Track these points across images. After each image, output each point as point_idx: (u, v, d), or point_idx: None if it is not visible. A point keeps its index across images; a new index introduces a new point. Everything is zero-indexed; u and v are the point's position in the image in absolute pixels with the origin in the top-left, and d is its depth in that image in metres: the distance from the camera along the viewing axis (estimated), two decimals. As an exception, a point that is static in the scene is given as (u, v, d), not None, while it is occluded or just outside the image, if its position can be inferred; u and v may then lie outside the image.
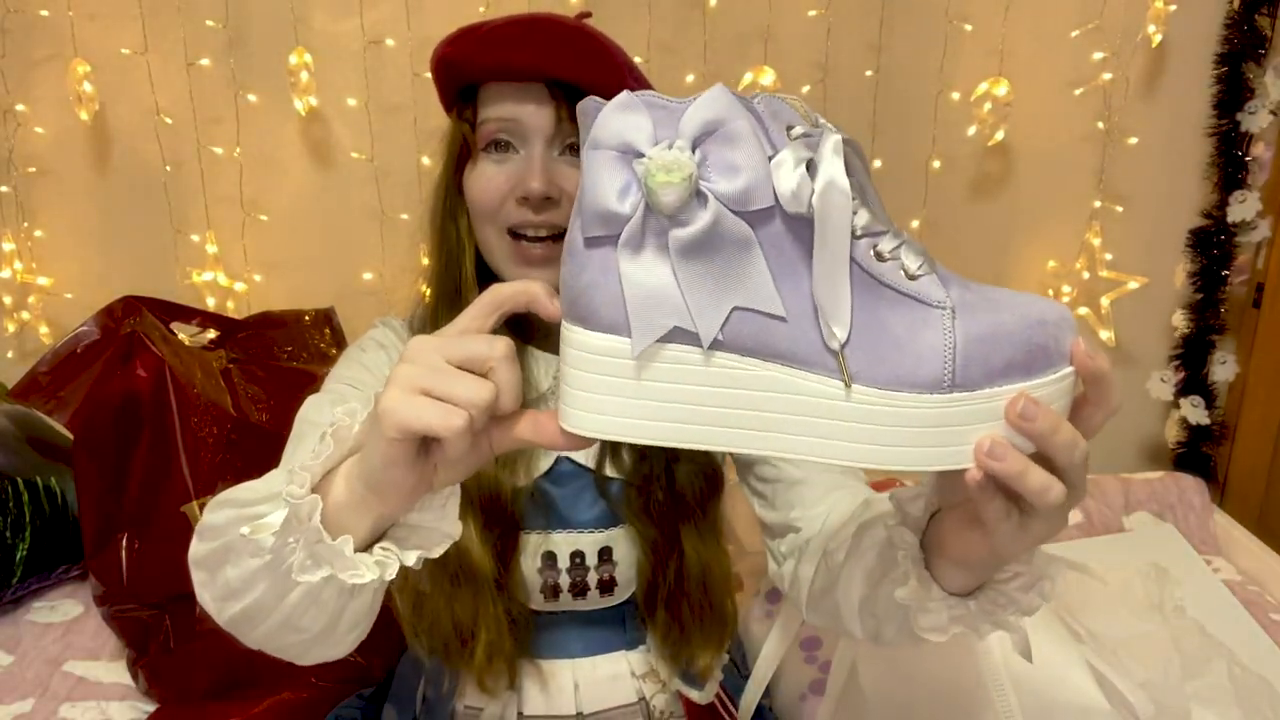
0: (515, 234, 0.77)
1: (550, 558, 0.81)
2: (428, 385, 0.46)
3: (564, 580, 0.81)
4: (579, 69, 0.73)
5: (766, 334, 0.45)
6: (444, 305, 0.81)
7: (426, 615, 0.80)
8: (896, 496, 0.58)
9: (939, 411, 0.44)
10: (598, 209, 0.44)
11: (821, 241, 0.44)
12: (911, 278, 0.46)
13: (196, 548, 0.59)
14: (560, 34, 0.74)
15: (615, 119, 0.44)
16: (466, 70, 0.76)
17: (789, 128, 0.46)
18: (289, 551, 0.52)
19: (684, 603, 0.81)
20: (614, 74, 0.74)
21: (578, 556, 0.81)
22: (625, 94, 0.45)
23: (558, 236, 0.74)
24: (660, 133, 0.44)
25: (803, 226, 0.45)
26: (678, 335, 0.44)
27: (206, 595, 0.59)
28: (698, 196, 0.43)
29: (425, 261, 1.58)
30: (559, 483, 0.82)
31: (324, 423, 0.71)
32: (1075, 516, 1.53)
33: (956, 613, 0.55)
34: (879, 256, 0.46)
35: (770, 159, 0.44)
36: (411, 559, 0.53)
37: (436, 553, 0.54)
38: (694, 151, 0.43)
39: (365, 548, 0.52)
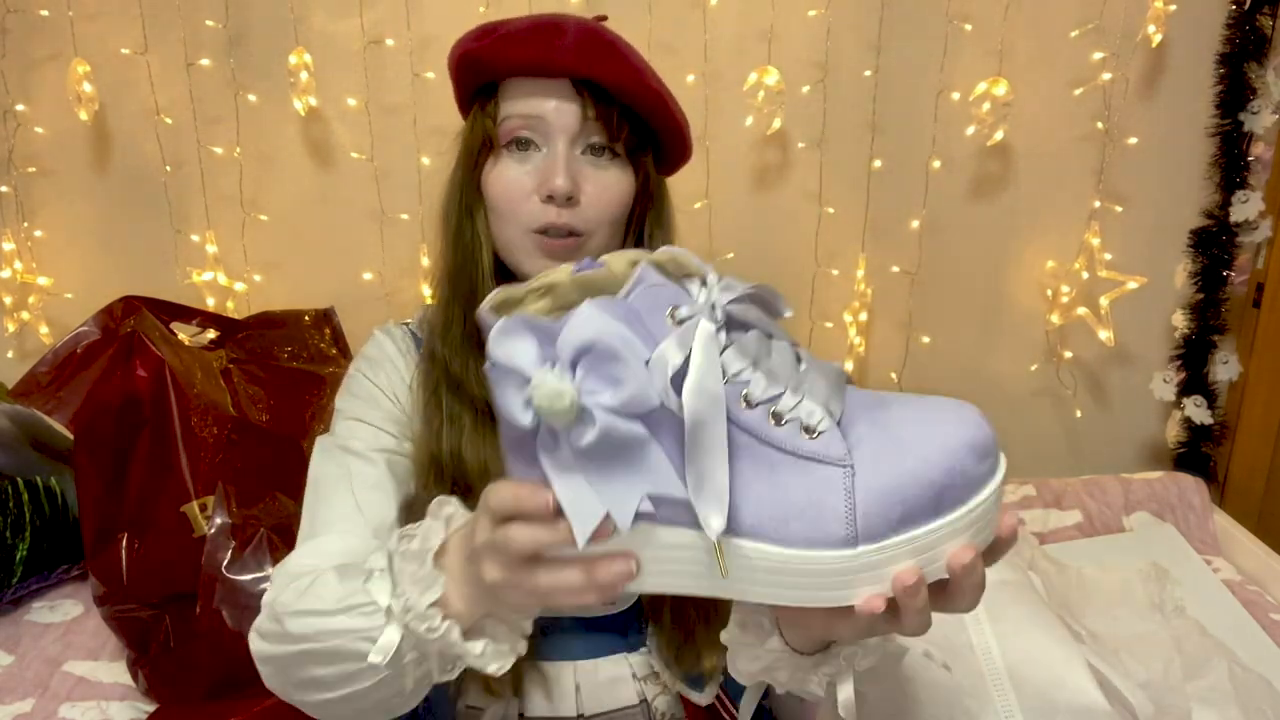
0: (537, 231, 0.77)
1: None
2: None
3: None
4: (604, 68, 0.73)
5: (678, 511, 0.47)
6: (458, 304, 0.79)
7: None
8: None
9: (840, 565, 0.47)
10: (508, 421, 0.47)
11: (692, 440, 0.46)
12: (813, 435, 0.47)
13: (262, 646, 0.64)
14: (585, 33, 0.74)
15: (503, 344, 0.46)
16: (491, 66, 0.76)
17: (673, 309, 0.47)
18: (410, 663, 0.58)
19: (689, 607, 0.81)
20: (634, 75, 0.74)
21: None
22: (504, 321, 0.46)
23: (578, 233, 0.75)
24: (545, 351, 0.46)
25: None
26: (608, 520, 0.47)
27: (276, 684, 0.64)
28: (584, 412, 0.45)
29: (425, 262, 1.59)
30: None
31: (338, 476, 0.75)
32: (1075, 516, 1.54)
33: (775, 663, 0.60)
34: (776, 419, 0.47)
35: (648, 362, 0.45)
36: (528, 628, 0.59)
37: (528, 629, 0.60)
38: (574, 371, 0.45)
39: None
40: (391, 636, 0.57)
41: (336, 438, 0.78)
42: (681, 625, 0.81)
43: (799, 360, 0.50)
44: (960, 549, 0.47)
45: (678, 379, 0.45)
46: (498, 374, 0.47)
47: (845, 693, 0.59)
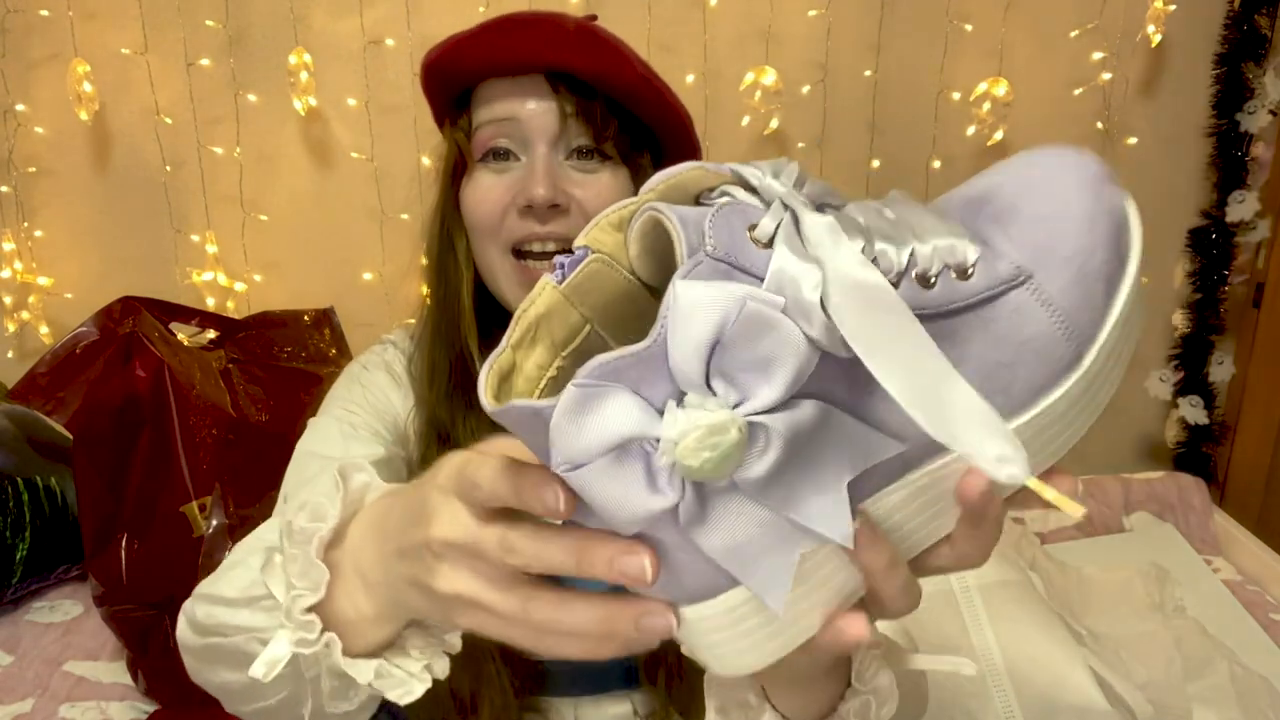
0: (520, 253, 0.70)
1: None
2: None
3: None
4: (580, 56, 0.65)
5: (889, 466, 0.35)
6: (440, 343, 0.73)
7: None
8: None
9: (1084, 386, 0.38)
10: (632, 521, 0.32)
11: (870, 351, 0.31)
12: (967, 274, 0.35)
13: (185, 634, 0.53)
14: (557, 25, 0.67)
15: (579, 429, 0.30)
16: (456, 70, 0.69)
17: (749, 228, 0.32)
18: (309, 681, 0.46)
19: (686, 664, 0.74)
20: (616, 62, 0.67)
21: None
22: (571, 391, 0.30)
23: (567, 250, 0.68)
24: (651, 393, 0.30)
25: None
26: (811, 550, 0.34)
27: (201, 680, 0.54)
28: (752, 433, 0.30)
29: (425, 262, 1.59)
30: None
31: (326, 455, 0.67)
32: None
33: None
34: (924, 282, 0.34)
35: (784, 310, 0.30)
36: (457, 644, 0.47)
37: (455, 644, 0.48)
38: (711, 388, 0.30)
39: (386, 645, 0.46)
40: (280, 646, 0.44)
41: (326, 419, 0.73)
42: (684, 680, 0.75)
43: (884, 212, 0.36)
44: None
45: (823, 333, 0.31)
46: (587, 475, 0.31)
47: None
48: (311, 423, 0.74)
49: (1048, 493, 0.35)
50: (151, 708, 1.12)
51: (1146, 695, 1.05)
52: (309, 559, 0.44)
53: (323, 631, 0.44)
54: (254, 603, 0.48)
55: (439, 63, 0.70)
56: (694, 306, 0.29)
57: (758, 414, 0.30)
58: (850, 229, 0.33)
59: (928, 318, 0.34)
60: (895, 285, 0.33)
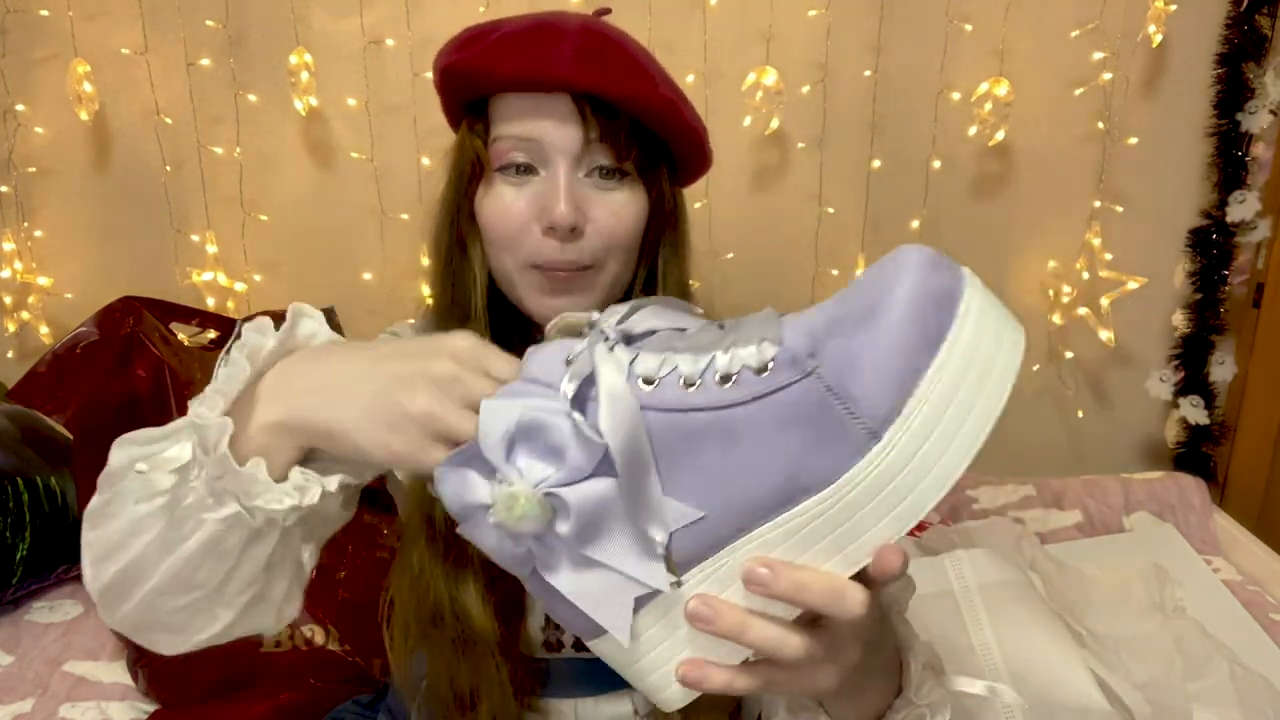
0: (538, 266, 0.69)
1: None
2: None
3: (568, 638, 0.77)
4: (609, 79, 0.64)
5: (704, 534, 0.42)
6: None
7: (427, 679, 0.75)
8: None
9: (883, 468, 0.39)
10: (506, 560, 0.44)
11: (611, 440, 0.40)
12: (764, 371, 0.40)
13: (93, 502, 0.54)
14: (585, 38, 0.65)
15: (452, 498, 0.43)
16: (476, 82, 0.67)
17: (567, 358, 0.43)
18: (189, 490, 0.48)
19: None
20: (644, 84, 0.65)
21: None
22: (439, 476, 0.43)
23: (585, 267, 0.67)
24: (487, 472, 0.42)
25: (655, 425, 0.42)
26: (645, 599, 0.42)
27: (87, 559, 0.54)
28: (550, 502, 0.41)
29: (425, 262, 1.59)
30: None
31: None
32: (1075, 516, 1.54)
33: None
34: (725, 381, 0.41)
35: (569, 415, 0.41)
36: (334, 484, 0.50)
37: (367, 478, 0.52)
38: (506, 451, 0.41)
39: (281, 477, 0.49)
40: (178, 451, 0.48)
41: None
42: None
43: (722, 328, 0.44)
44: None
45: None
46: (468, 528, 0.43)
47: None
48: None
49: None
50: (151, 708, 1.12)
51: (1146, 695, 1.05)
52: (239, 364, 0.49)
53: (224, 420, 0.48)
54: (167, 435, 0.50)
55: (457, 68, 0.68)
56: (493, 415, 0.41)
57: (555, 487, 0.40)
58: (657, 349, 0.43)
59: (724, 409, 0.40)
60: (690, 386, 0.41)
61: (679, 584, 0.42)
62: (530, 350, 0.45)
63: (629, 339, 0.44)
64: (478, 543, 0.43)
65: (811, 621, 0.43)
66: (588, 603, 0.42)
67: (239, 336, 0.50)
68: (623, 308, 0.46)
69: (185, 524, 0.49)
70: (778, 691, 0.44)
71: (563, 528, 0.41)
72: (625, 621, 0.42)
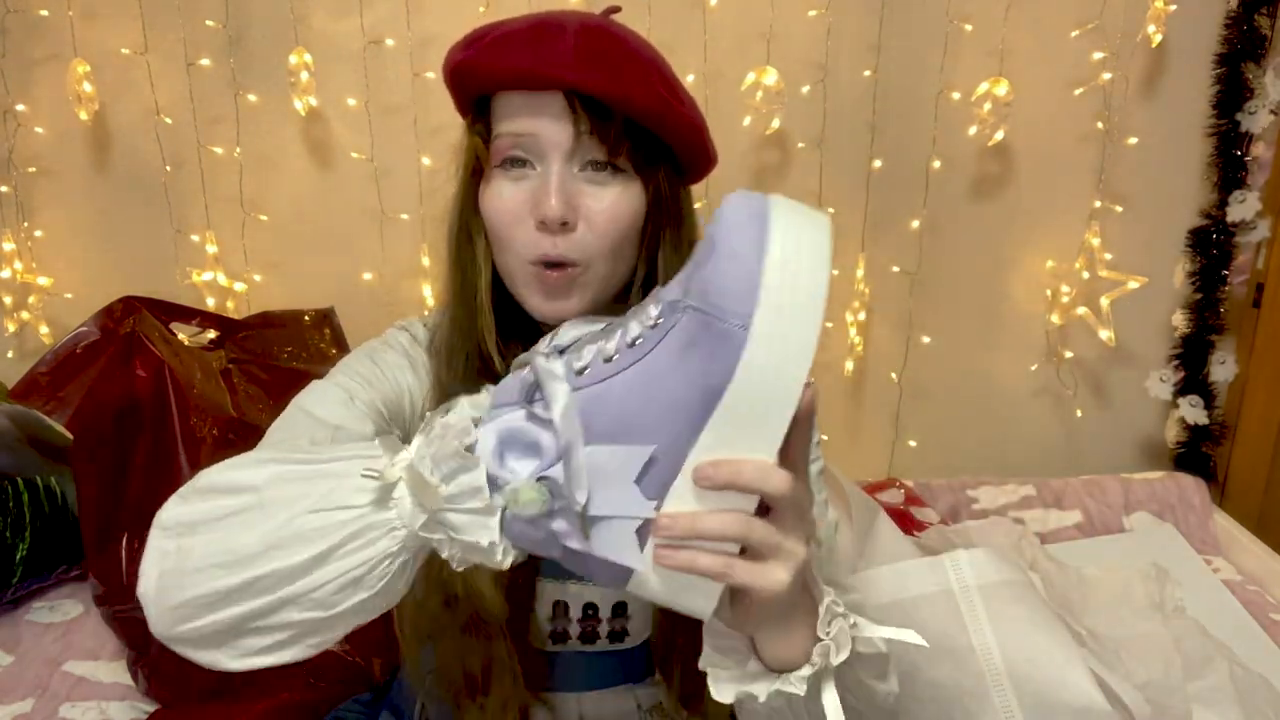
0: (534, 261, 0.70)
1: (562, 607, 0.78)
2: None
3: (574, 629, 0.78)
4: (602, 78, 0.65)
5: (662, 465, 0.50)
6: (459, 332, 0.73)
7: (437, 663, 0.77)
8: None
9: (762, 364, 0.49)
10: (539, 549, 0.52)
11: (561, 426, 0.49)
12: (655, 323, 0.51)
13: (181, 511, 0.53)
14: (583, 37, 0.66)
15: (469, 516, 0.50)
16: (477, 80, 0.69)
17: (523, 383, 0.53)
18: (391, 505, 0.51)
19: (697, 657, 0.78)
20: (639, 85, 0.67)
21: (590, 609, 0.78)
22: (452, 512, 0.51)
23: (573, 263, 0.68)
24: (495, 487, 0.50)
25: (597, 396, 0.51)
26: (643, 531, 0.51)
27: (174, 565, 0.52)
28: (545, 486, 0.49)
29: (425, 262, 1.59)
30: None
31: (319, 418, 0.69)
32: (1075, 516, 1.54)
33: (756, 683, 0.58)
34: (632, 344, 0.51)
35: (531, 417, 0.51)
36: (515, 554, 0.54)
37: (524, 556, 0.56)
38: (500, 461, 0.50)
39: None
40: (393, 469, 0.51)
41: (333, 386, 0.72)
42: (692, 674, 0.76)
43: (603, 324, 0.56)
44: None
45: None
46: (508, 536, 0.51)
47: (830, 701, 0.56)
48: (315, 383, 0.74)
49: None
50: (151, 708, 1.12)
51: (1146, 695, 1.05)
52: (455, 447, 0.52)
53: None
54: (338, 456, 0.53)
55: (463, 67, 0.70)
56: (481, 440, 0.51)
57: (542, 472, 0.50)
58: (580, 347, 0.53)
59: (636, 363, 0.50)
60: (608, 360, 0.51)
61: (659, 507, 0.50)
62: (491, 388, 0.54)
63: (562, 350, 0.54)
64: (517, 543, 0.51)
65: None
66: (606, 549, 0.50)
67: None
68: (548, 336, 0.57)
69: (359, 539, 0.51)
70: (739, 582, 0.50)
71: (559, 502, 0.49)
72: (636, 552, 0.50)
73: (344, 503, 0.51)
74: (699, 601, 0.52)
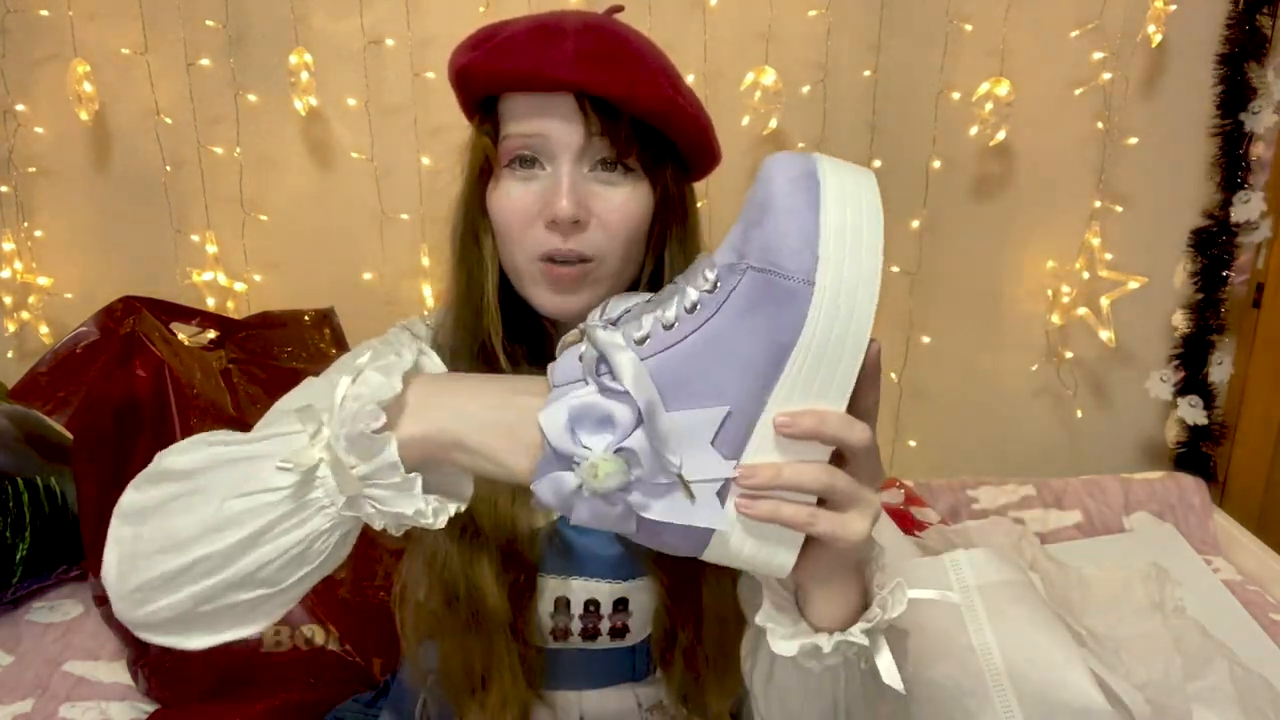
0: (543, 258, 0.70)
1: (564, 603, 0.78)
2: None
3: (575, 625, 0.78)
4: (608, 79, 0.66)
5: (737, 423, 0.51)
6: (464, 331, 0.74)
7: (439, 659, 0.77)
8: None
9: (828, 305, 0.51)
10: (614, 526, 0.52)
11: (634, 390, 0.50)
12: (713, 288, 0.51)
13: (136, 499, 0.56)
14: (586, 39, 0.67)
15: (550, 493, 0.51)
16: (485, 82, 0.69)
17: (580, 360, 0.53)
18: (314, 487, 0.51)
19: (699, 653, 0.78)
20: (645, 85, 0.67)
21: (592, 605, 0.78)
22: (535, 485, 0.51)
23: (586, 259, 0.69)
24: (561, 465, 0.50)
25: (664, 364, 0.51)
26: (724, 492, 0.52)
27: (123, 554, 0.54)
28: (623, 456, 0.50)
29: (425, 262, 1.59)
30: (579, 528, 0.79)
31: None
32: (1075, 516, 1.54)
33: (802, 628, 0.58)
34: (691, 309, 0.52)
35: (601, 389, 0.50)
36: (451, 510, 0.54)
37: (461, 508, 0.56)
38: (573, 438, 0.50)
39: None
40: (315, 451, 0.51)
41: (326, 380, 0.72)
42: (692, 671, 0.78)
43: (653, 296, 0.57)
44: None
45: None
46: (574, 515, 0.51)
47: (884, 660, 0.57)
48: (307, 380, 0.74)
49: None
50: (151, 708, 1.12)
51: (1146, 695, 1.05)
52: (393, 378, 0.52)
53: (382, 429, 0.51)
54: (272, 436, 0.54)
55: (469, 69, 0.70)
56: (550, 419, 0.50)
57: (619, 443, 0.49)
58: (631, 321, 0.53)
59: (701, 327, 0.51)
60: (669, 328, 0.52)
61: (737, 465, 0.50)
62: (550, 366, 0.54)
63: (614, 323, 0.54)
64: (584, 522, 0.51)
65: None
66: (685, 515, 0.51)
67: (356, 366, 0.54)
68: (597, 309, 0.57)
69: (290, 520, 0.52)
70: (822, 531, 0.51)
71: (638, 471, 0.50)
72: (718, 512, 0.51)
73: (269, 484, 0.52)
74: (781, 556, 0.53)
